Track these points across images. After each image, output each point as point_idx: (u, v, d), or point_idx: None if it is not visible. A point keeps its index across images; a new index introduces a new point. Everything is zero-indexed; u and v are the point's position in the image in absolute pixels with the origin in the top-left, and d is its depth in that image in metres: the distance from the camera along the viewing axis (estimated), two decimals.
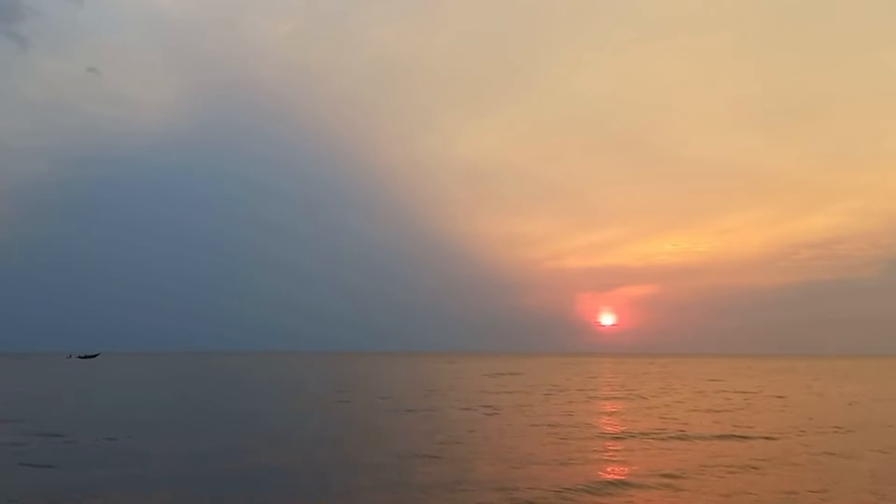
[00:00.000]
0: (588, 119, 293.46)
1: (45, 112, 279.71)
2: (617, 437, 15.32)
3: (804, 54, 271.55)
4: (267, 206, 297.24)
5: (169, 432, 16.71)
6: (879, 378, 50.86)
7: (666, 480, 10.27)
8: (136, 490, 10.06)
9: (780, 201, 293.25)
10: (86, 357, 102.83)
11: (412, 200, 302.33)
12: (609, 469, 11.52)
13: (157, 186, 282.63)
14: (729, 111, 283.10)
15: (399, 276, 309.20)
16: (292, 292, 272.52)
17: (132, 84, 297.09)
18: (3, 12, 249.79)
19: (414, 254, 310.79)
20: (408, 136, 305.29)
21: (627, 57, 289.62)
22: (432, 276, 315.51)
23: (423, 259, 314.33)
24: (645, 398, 27.48)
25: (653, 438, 14.99)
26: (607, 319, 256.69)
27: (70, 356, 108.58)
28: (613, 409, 22.82)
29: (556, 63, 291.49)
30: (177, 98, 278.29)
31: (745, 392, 31.75)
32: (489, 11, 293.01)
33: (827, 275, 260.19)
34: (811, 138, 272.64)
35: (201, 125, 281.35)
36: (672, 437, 15.16)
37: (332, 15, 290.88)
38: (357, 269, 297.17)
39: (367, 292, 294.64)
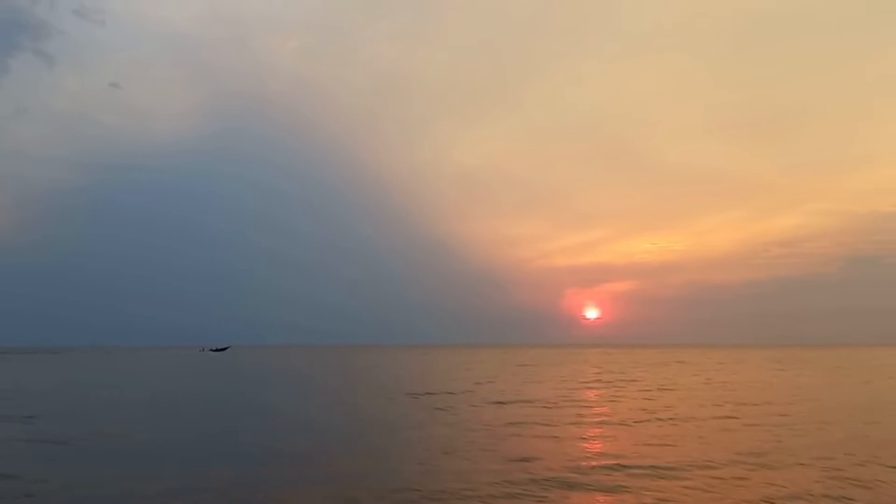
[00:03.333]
0: (575, 129, 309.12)
1: (70, 124, 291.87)
2: None
3: (773, 69, 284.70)
4: (275, 207, 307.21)
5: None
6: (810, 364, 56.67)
7: None
8: None
9: (750, 204, 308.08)
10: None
11: (411, 204, 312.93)
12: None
13: (172, 190, 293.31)
14: (704, 121, 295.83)
15: (399, 275, 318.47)
16: (297, 289, 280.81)
17: (151, 97, 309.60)
18: (32, 32, 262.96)
19: (413, 253, 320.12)
20: (407, 145, 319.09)
21: (612, 71, 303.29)
22: (430, 274, 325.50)
23: (422, 258, 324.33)
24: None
25: None
26: (592, 313, 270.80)
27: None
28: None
29: (546, 77, 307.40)
30: (191, 109, 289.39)
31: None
32: (484, 29, 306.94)
33: (794, 271, 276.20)
34: (779, 146, 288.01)
35: (214, 134, 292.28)
36: None
37: (336, 33, 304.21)
38: (360, 267, 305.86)
39: (369, 289, 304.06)
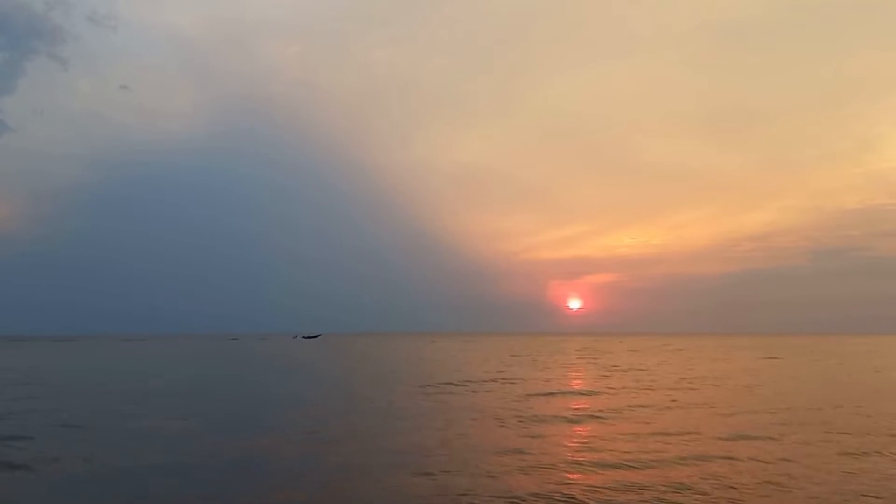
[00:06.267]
0: (560, 130, 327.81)
1: (82, 124, 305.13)
2: None
3: (744, 72, 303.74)
4: (275, 202, 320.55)
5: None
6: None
7: None
8: None
9: (724, 200, 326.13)
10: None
11: (407, 200, 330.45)
12: None
13: (177, 185, 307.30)
14: (680, 122, 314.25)
15: (396, 267, 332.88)
16: (298, 280, 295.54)
17: (159, 99, 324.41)
18: (47, 36, 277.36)
19: (409, 247, 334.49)
20: (403, 145, 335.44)
21: (594, 76, 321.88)
22: (425, 267, 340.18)
23: (417, 251, 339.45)
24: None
25: None
26: (575, 303, 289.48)
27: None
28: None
29: (532, 81, 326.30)
30: (198, 111, 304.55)
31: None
32: (474, 37, 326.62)
33: (764, 264, 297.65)
34: (751, 146, 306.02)
35: (219, 134, 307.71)
36: None
37: (335, 38, 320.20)
38: (360, 260, 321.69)
39: (369, 280, 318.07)
